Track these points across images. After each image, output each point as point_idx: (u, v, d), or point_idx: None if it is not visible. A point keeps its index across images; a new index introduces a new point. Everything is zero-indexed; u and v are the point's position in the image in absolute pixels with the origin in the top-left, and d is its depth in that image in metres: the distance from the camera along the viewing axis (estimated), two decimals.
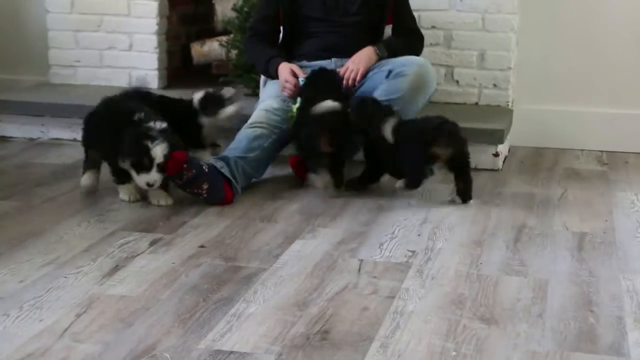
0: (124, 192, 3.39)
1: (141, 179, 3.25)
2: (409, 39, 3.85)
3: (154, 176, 3.23)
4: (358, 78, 3.65)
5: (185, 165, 3.26)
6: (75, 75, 4.74)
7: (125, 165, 3.28)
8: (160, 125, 3.27)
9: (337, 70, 3.68)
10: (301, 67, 3.76)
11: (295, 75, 3.65)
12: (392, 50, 3.72)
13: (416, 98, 3.60)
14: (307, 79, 3.62)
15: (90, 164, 3.52)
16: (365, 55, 3.68)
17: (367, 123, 3.43)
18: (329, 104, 3.47)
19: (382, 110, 3.43)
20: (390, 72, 3.60)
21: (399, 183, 3.44)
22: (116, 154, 3.29)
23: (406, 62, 3.62)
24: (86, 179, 3.51)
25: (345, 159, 3.60)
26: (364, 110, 3.43)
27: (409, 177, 3.43)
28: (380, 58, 3.70)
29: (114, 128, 3.31)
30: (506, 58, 4.29)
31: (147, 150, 3.21)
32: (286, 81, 3.65)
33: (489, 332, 2.31)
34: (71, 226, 3.11)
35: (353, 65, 3.66)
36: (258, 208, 3.36)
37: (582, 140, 4.37)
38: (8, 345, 2.18)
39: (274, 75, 3.76)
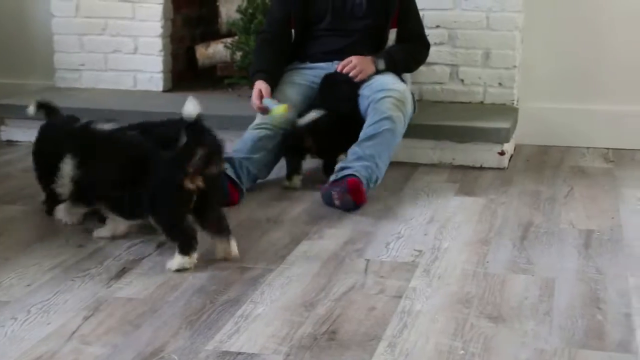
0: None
1: None
2: (413, 48, 3.84)
3: None
4: (359, 78, 3.61)
5: None
6: (80, 78, 4.75)
7: None
8: None
9: (336, 67, 3.65)
10: (304, 68, 3.79)
11: (262, 96, 3.54)
12: (392, 63, 3.70)
13: (399, 121, 3.53)
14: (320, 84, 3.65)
15: None
16: (366, 65, 3.64)
17: None
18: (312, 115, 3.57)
19: None
20: (369, 102, 3.55)
21: None
22: None
23: (382, 88, 3.56)
24: None
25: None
26: None
27: None
28: (377, 72, 3.67)
29: None
30: (511, 56, 4.28)
31: None
32: (252, 101, 3.57)
33: (496, 330, 2.31)
34: (77, 230, 3.11)
35: (358, 62, 3.61)
36: (264, 209, 3.36)
37: (588, 138, 4.36)
38: (16, 348, 2.18)
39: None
